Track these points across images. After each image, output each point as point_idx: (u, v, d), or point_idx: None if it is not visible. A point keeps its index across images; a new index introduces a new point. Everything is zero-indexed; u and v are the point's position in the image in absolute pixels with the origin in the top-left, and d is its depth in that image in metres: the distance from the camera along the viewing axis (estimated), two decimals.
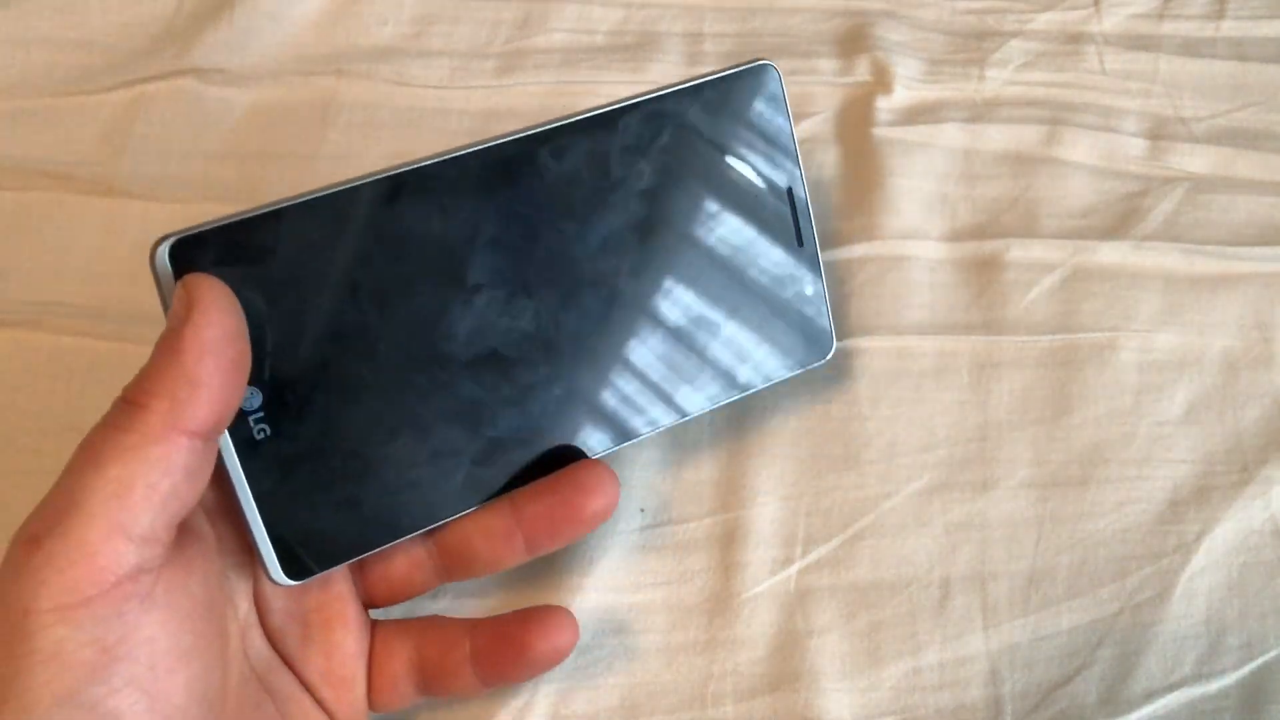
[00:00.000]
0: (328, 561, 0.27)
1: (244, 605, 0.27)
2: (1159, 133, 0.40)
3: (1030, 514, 0.33)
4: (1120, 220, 0.38)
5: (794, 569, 0.32)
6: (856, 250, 0.37)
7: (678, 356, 0.30)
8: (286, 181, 0.38)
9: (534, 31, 0.42)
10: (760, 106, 0.31)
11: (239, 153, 0.38)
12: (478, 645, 0.28)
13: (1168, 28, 0.43)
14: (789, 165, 0.31)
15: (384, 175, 0.27)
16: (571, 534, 0.28)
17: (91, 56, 0.40)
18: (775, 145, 0.31)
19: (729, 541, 0.33)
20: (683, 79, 0.30)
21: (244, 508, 0.25)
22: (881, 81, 0.40)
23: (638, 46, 0.41)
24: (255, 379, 0.25)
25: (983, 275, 0.37)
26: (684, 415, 0.31)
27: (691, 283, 0.30)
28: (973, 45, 0.42)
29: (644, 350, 0.30)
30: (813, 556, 0.33)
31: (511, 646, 0.28)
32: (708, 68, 0.41)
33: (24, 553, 0.20)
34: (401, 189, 0.27)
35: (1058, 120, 0.40)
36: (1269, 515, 0.33)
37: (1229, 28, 0.43)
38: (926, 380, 0.35)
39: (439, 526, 0.28)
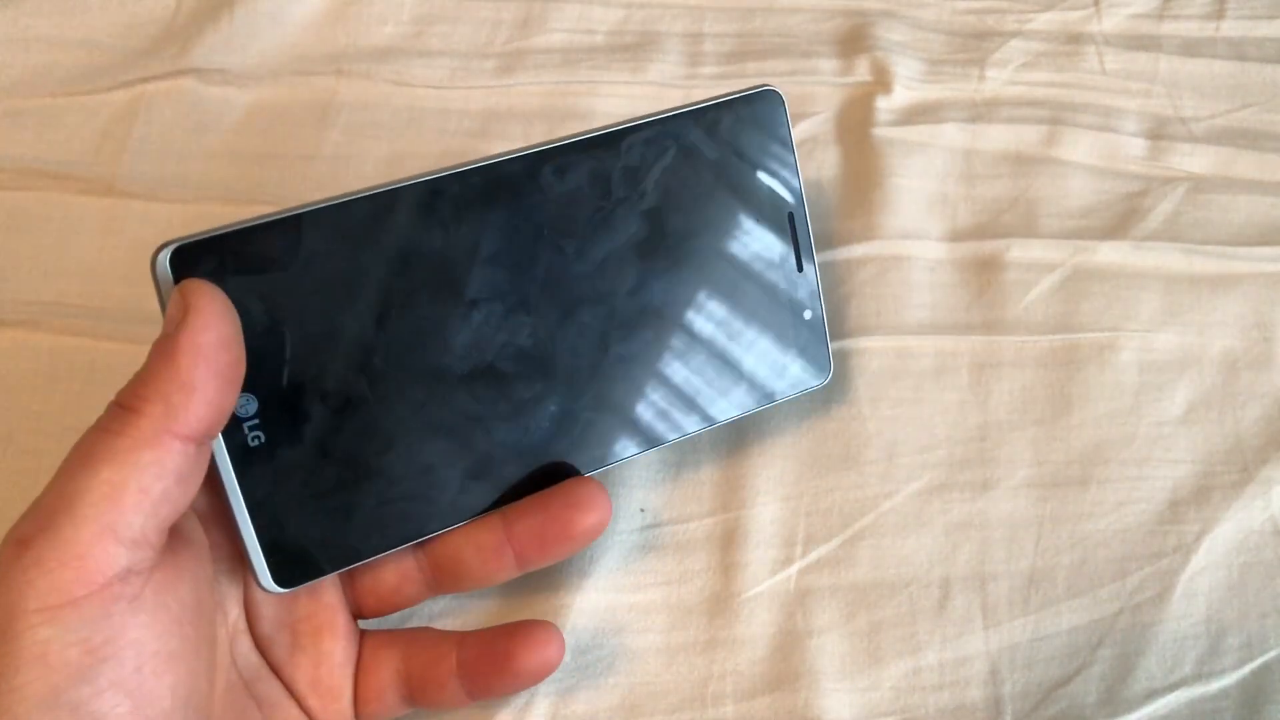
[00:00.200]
0: (317, 570, 0.27)
1: (234, 611, 0.27)
2: (1159, 133, 0.40)
3: (1030, 514, 0.33)
4: (1120, 220, 0.38)
5: (794, 569, 0.32)
6: (856, 250, 0.37)
7: (673, 377, 0.30)
8: (286, 182, 0.38)
9: (534, 31, 0.42)
10: (763, 131, 0.31)
11: (239, 153, 0.38)
12: (464, 658, 0.28)
13: (1168, 28, 0.43)
14: (791, 190, 0.31)
15: (388, 188, 0.27)
16: (562, 550, 0.28)
17: (91, 56, 0.40)
18: (777, 170, 0.31)
19: (729, 541, 0.33)
20: (687, 102, 0.30)
21: (235, 513, 0.25)
22: (881, 81, 0.40)
23: (638, 46, 0.41)
24: (251, 385, 0.25)
25: (983, 275, 0.37)
26: (677, 435, 0.31)
27: (689, 304, 0.30)
28: (973, 45, 0.42)
29: (639, 370, 0.30)
30: (813, 556, 0.33)
31: (498, 660, 0.27)
32: (708, 68, 0.41)
33: (13, 553, 0.20)
34: (405, 202, 0.27)
35: (1058, 120, 0.40)
36: (1269, 515, 0.33)
37: (1229, 28, 0.43)
38: (926, 380, 0.35)
39: (430, 539, 0.28)
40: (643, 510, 0.33)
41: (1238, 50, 0.42)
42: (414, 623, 0.32)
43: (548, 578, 0.32)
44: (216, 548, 0.26)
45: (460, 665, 0.28)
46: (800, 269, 0.32)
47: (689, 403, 0.31)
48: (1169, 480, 0.34)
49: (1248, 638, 0.32)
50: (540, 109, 0.40)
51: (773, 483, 0.33)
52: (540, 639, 0.28)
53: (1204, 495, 0.33)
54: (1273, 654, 0.31)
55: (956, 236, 0.37)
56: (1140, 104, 0.41)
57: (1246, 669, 0.31)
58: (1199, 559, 0.32)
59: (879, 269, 0.37)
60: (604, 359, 0.29)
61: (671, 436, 0.31)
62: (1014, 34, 0.42)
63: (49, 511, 0.21)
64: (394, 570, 0.29)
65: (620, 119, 0.29)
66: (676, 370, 0.30)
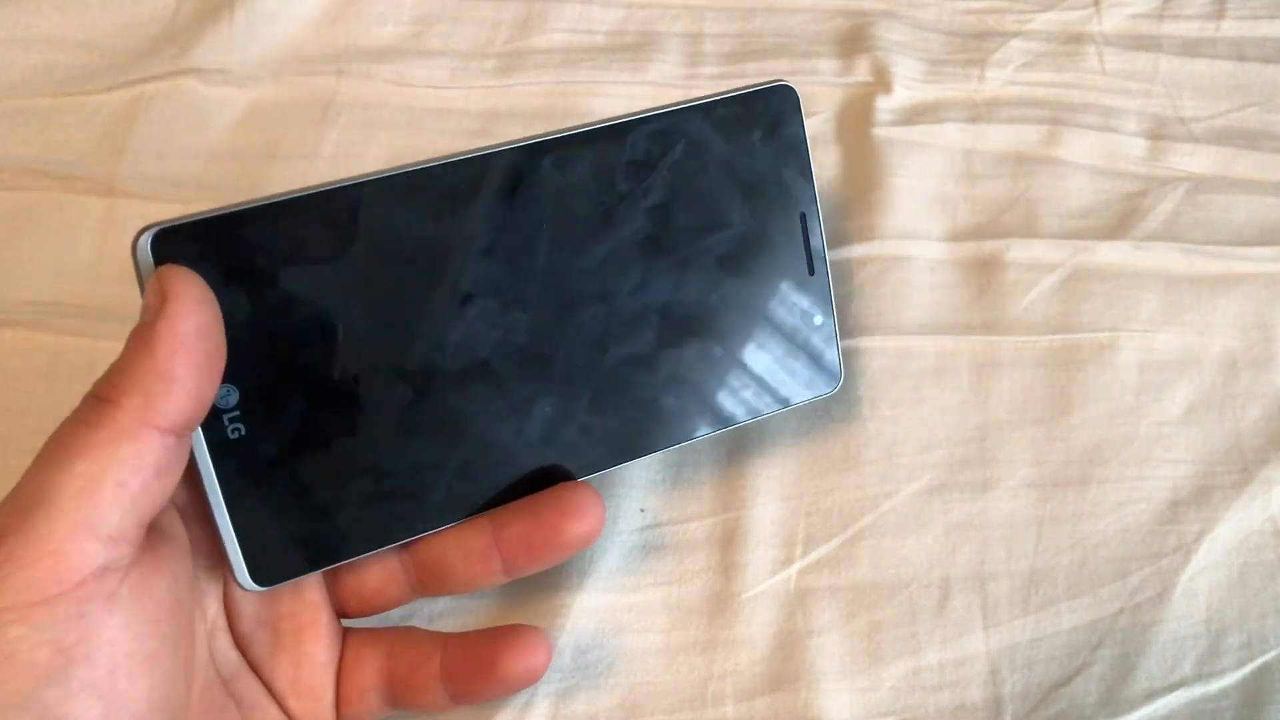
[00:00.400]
0: (297, 569, 0.26)
1: (213, 608, 0.26)
2: (1159, 133, 0.40)
3: (1030, 514, 0.33)
4: (1120, 220, 0.38)
5: (794, 569, 0.32)
6: (856, 250, 0.37)
7: (674, 380, 0.29)
8: (286, 182, 0.38)
9: (534, 31, 0.42)
10: (775, 128, 0.30)
11: (239, 153, 0.38)
12: (448, 661, 0.27)
13: (1168, 28, 0.43)
14: (803, 191, 0.30)
15: (378, 176, 0.26)
16: (550, 558, 0.28)
17: (91, 56, 0.40)
18: (789, 169, 0.30)
19: (729, 541, 0.33)
20: (696, 96, 0.29)
21: (214, 508, 0.25)
22: (881, 81, 0.40)
23: (638, 46, 0.41)
24: (232, 376, 0.24)
25: (983, 275, 0.37)
26: (677, 442, 0.30)
27: (693, 306, 0.29)
28: (973, 45, 0.42)
29: (639, 372, 0.29)
30: (813, 556, 0.32)
31: (481, 665, 0.27)
32: (708, 68, 0.41)
33: None
34: (396, 191, 0.26)
35: (1058, 120, 0.40)
36: (1269, 515, 0.33)
37: (1229, 28, 0.43)
38: (926, 380, 0.35)
39: (415, 540, 0.27)
40: (643, 510, 0.33)
41: (1238, 50, 0.42)
42: (414, 621, 0.32)
43: (548, 577, 0.32)
44: (196, 543, 0.25)
45: (444, 668, 0.27)
46: (811, 273, 0.31)
47: (689, 409, 0.30)
48: (1169, 480, 0.34)
49: (1248, 638, 0.32)
50: (540, 109, 0.40)
51: (773, 483, 0.33)
52: (526, 645, 0.27)
53: (1204, 495, 0.33)
54: (1273, 654, 0.31)
55: (956, 236, 0.37)
56: (1140, 104, 0.41)
57: (1246, 669, 0.31)
58: (1199, 559, 0.32)
59: (879, 269, 0.37)
60: (603, 360, 0.28)
61: (669, 443, 0.30)
62: (1014, 34, 0.42)
63: (23, 506, 0.20)
64: (378, 571, 0.28)
65: (625, 113, 0.28)
66: (677, 374, 0.29)
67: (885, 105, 0.40)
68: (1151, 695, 0.31)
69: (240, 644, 0.27)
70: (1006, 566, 0.32)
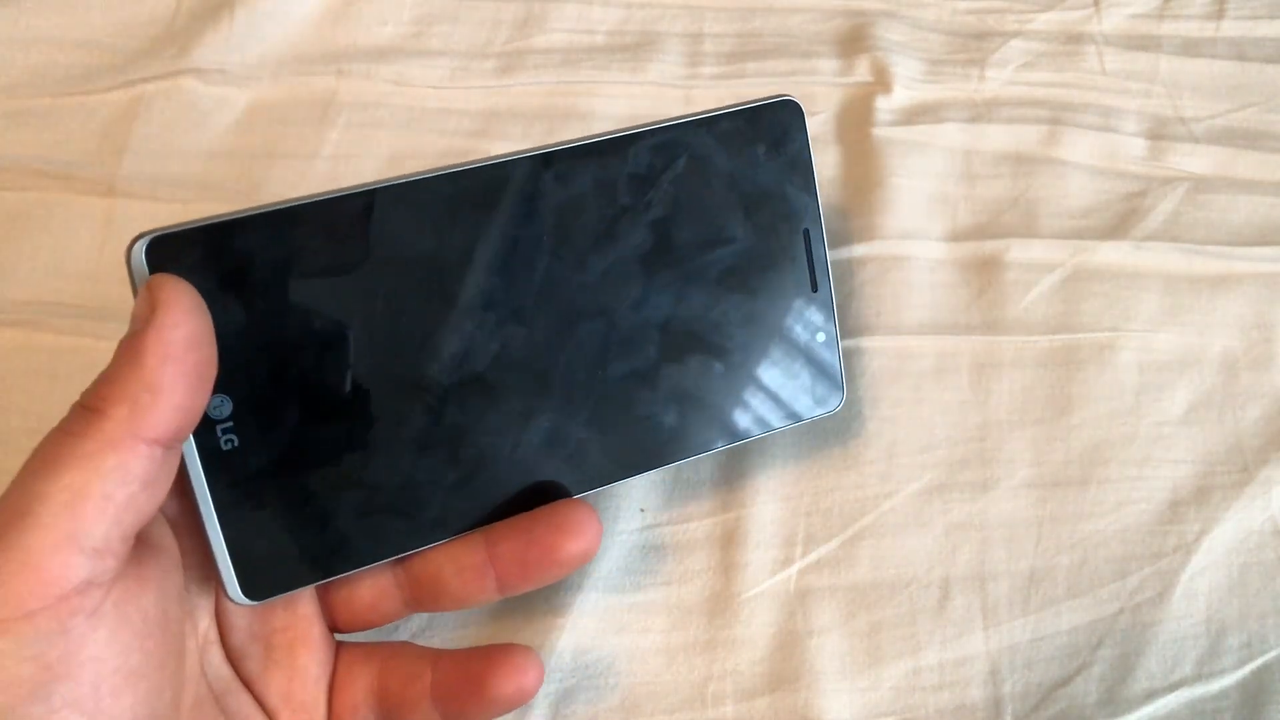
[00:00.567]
0: (288, 584, 0.26)
1: (204, 622, 0.26)
2: (1159, 133, 0.40)
3: (1030, 514, 0.33)
4: (1120, 220, 0.38)
5: (794, 569, 0.32)
6: (856, 250, 0.37)
7: (674, 397, 0.29)
8: (286, 182, 0.38)
9: (534, 31, 0.42)
10: (780, 143, 0.29)
11: (239, 153, 0.38)
12: (439, 680, 0.26)
13: (1168, 28, 0.43)
14: (807, 207, 0.30)
15: (377, 186, 0.25)
16: (546, 576, 0.27)
17: (91, 56, 0.40)
18: (793, 184, 0.30)
19: (729, 541, 0.33)
20: (701, 110, 0.29)
21: (205, 521, 0.24)
22: (881, 81, 0.40)
23: (638, 46, 0.41)
24: (226, 386, 0.24)
25: (983, 275, 0.37)
26: (674, 459, 0.29)
27: (694, 322, 0.29)
28: (973, 45, 0.42)
29: (639, 388, 0.29)
30: (813, 556, 0.32)
31: (471, 685, 0.26)
32: (708, 68, 0.41)
33: None
34: (395, 201, 0.26)
35: (1058, 120, 0.40)
36: (1269, 515, 0.33)
37: (1229, 28, 0.43)
38: (926, 380, 0.35)
39: (409, 555, 0.27)
40: (643, 510, 0.33)
41: (1238, 50, 0.42)
42: (412, 624, 0.32)
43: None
44: (187, 555, 0.25)
45: (434, 686, 0.26)
46: (815, 289, 0.30)
47: (687, 426, 0.29)
48: (1169, 480, 0.34)
49: (1248, 638, 0.32)
50: (540, 109, 0.40)
51: (773, 483, 0.33)
52: (516, 665, 0.26)
53: (1204, 495, 0.33)
54: (1273, 654, 0.31)
55: (956, 236, 0.37)
56: (1140, 104, 0.41)
57: (1246, 669, 0.31)
58: (1199, 559, 0.32)
59: (879, 269, 0.37)
60: (601, 375, 0.28)
61: (666, 461, 0.29)
62: (1014, 34, 0.42)
63: (6, 518, 0.20)
64: (371, 586, 0.28)
65: (626, 122, 0.28)
66: (677, 391, 0.29)
67: (885, 105, 0.40)
68: (1151, 695, 0.31)
69: (232, 658, 0.26)
70: (1006, 566, 0.32)
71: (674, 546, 0.33)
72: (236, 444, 0.25)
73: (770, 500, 0.33)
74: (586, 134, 0.28)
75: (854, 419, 0.34)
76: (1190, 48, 0.42)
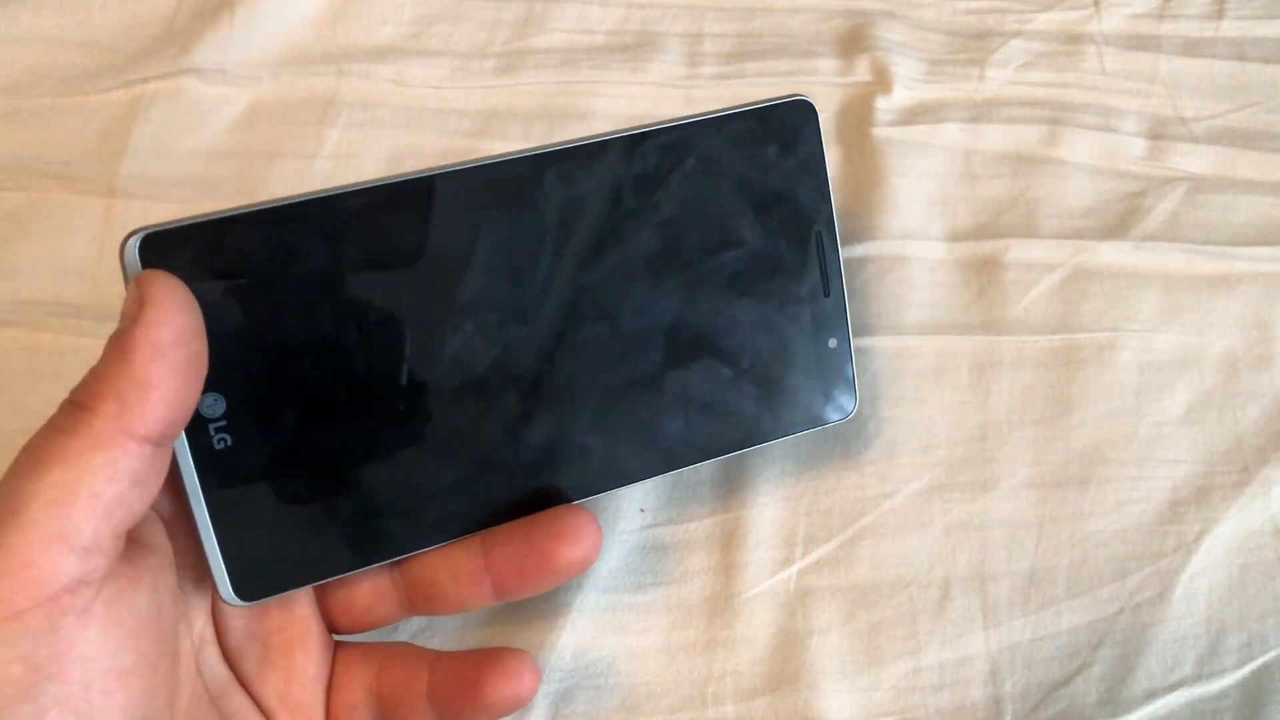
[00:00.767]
0: (281, 585, 0.25)
1: (200, 622, 0.26)
2: (1159, 133, 0.40)
3: (1030, 514, 0.33)
4: (1120, 220, 0.38)
5: (794, 569, 0.32)
6: (856, 250, 0.37)
7: (679, 403, 0.28)
8: (286, 181, 0.38)
9: (534, 31, 0.42)
10: (792, 144, 0.29)
11: (239, 153, 0.38)
12: (435, 682, 0.26)
13: (1168, 28, 0.43)
14: (820, 209, 0.29)
15: (374, 185, 0.25)
16: (543, 583, 0.27)
17: (91, 56, 0.40)
18: (805, 186, 0.29)
19: (729, 541, 0.33)
20: (712, 109, 0.28)
21: (197, 520, 0.24)
22: (881, 81, 0.40)
23: (638, 46, 0.41)
24: (220, 385, 0.24)
25: (983, 275, 0.37)
26: (680, 465, 0.29)
27: (702, 325, 0.28)
28: (973, 45, 0.42)
29: (644, 392, 0.28)
30: (813, 556, 0.33)
31: (466, 688, 0.26)
32: (708, 68, 0.41)
33: None
34: (392, 200, 0.25)
35: (1058, 120, 0.40)
36: (1269, 515, 0.33)
37: (1229, 28, 0.43)
38: (926, 380, 0.35)
39: (405, 558, 0.27)
40: (643, 510, 0.33)
41: (1238, 50, 0.42)
42: (412, 622, 0.32)
43: None
44: (181, 555, 0.25)
45: (430, 689, 0.26)
46: (827, 294, 0.30)
47: (693, 433, 0.29)
48: (1169, 480, 0.34)
49: (1248, 638, 0.32)
50: (540, 109, 0.40)
51: (773, 483, 0.33)
52: (511, 669, 0.26)
53: (1204, 495, 0.33)
54: (1273, 654, 0.31)
55: (956, 236, 0.37)
56: (1140, 104, 0.41)
57: (1246, 669, 0.31)
58: (1199, 559, 0.32)
59: (879, 269, 0.37)
60: (603, 379, 0.28)
61: (670, 467, 0.29)
62: (1014, 34, 0.42)
63: None
64: (368, 588, 0.27)
65: (626, 122, 0.28)
66: (683, 397, 0.28)
67: (885, 105, 0.40)
68: (1151, 695, 0.31)
69: (229, 658, 0.26)
70: (1006, 566, 0.32)
71: (674, 546, 0.33)
72: (230, 443, 0.24)
73: (770, 500, 0.33)
74: (589, 134, 0.27)
75: (854, 419, 0.34)
76: (1190, 48, 0.42)
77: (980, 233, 0.38)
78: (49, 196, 0.37)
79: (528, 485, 0.27)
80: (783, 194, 0.29)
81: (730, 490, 0.33)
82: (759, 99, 0.29)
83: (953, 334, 0.36)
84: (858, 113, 0.40)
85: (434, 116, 0.40)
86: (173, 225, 0.23)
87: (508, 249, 0.26)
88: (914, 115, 0.40)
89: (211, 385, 0.23)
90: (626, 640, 0.31)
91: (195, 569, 0.25)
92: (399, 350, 0.26)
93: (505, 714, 0.26)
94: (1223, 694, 0.31)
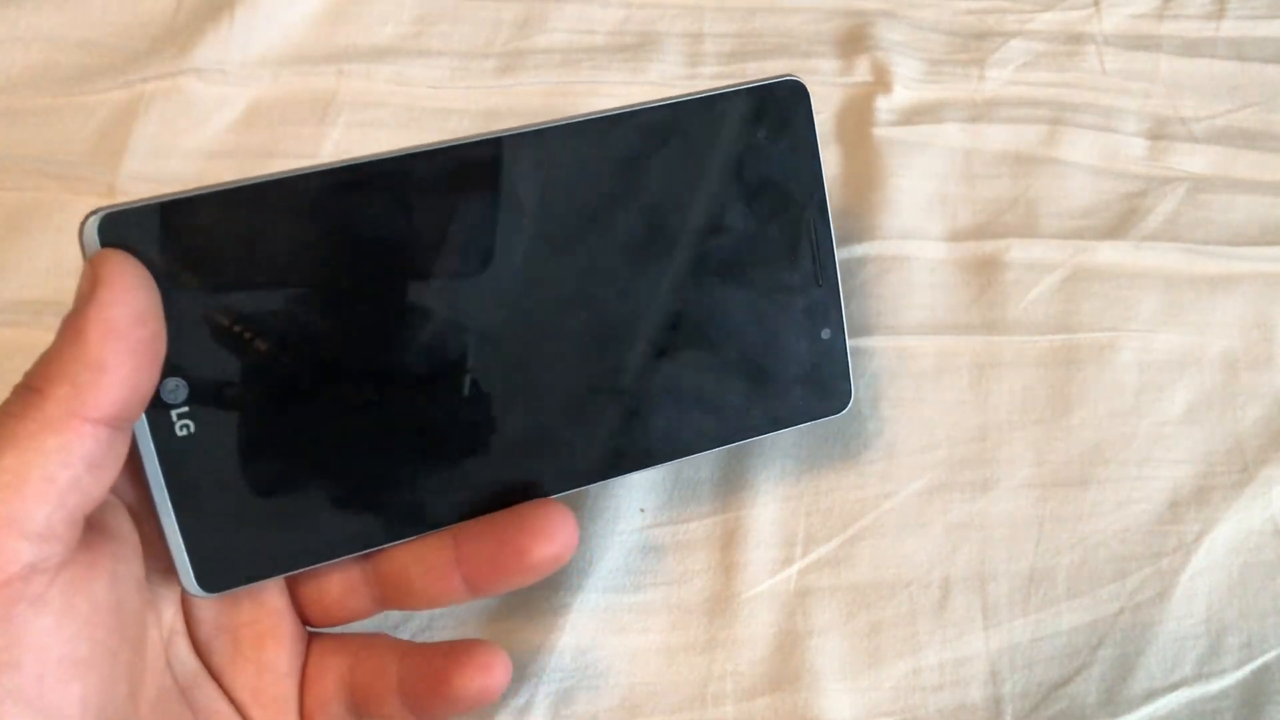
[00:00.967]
0: (246, 576, 0.24)
1: (169, 613, 0.25)
2: (1159, 133, 0.40)
3: (1030, 514, 0.33)
4: (1120, 220, 0.38)
5: (794, 569, 0.32)
6: (856, 250, 0.37)
7: (663, 395, 0.27)
8: None
9: (534, 31, 0.42)
10: (783, 126, 0.27)
11: (239, 152, 0.38)
12: (404, 674, 0.25)
13: (1168, 28, 0.43)
14: (812, 194, 0.28)
15: (342, 165, 0.24)
16: (515, 580, 0.26)
17: (91, 56, 0.40)
18: (797, 171, 0.28)
19: (729, 541, 0.33)
20: (697, 89, 0.27)
21: (159, 509, 0.23)
22: (881, 81, 0.40)
23: (638, 46, 0.41)
24: (182, 370, 0.23)
25: (983, 275, 0.37)
26: (664, 459, 0.28)
27: (688, 314, 0.27)
28: (973, 45, 0.42)
29: (627, 383, 0.27)
30: (813, 556, 0.33)
31: (434, 681, 0.25)
32: (708, 68, 0.41)
33: None
34: (362, 181, 0.24)
35: (1058, 120, 0.40)
36: (1269, 515, 0.33)
37: (1229, 28, 0.43)
38: (926, 380, 0.35)
39: (375, 552, 0.26)
40: (642, 510, 0.33)
41: (1238, 50, 0.42)
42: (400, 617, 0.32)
43: (548, 577, 0.32)
44: (150, 544, 0.24)
45: (400, 681, 0.25)
46: (819, 283, 0.28)
47: (677, 426, 0.28)
48: (1169, 480, 0.34)
49: (1248, 638, 0.32)
50: (540, 109, 0.40)
51: (773, 483, 0.33)
52: (480, 662, 0.25)
53: (1204, 495, 0.33)
54: (1273, 654, 0.31)
55: (956, 236, 0.37)
56: (1140, 104, 0.41)
57: (1246, 669, 0.31)
58: (1199, 559, 0.32)
59: (879, 269, 0.37)
60: (583, 369, 0.26)
61: (653, 462, 0.28)
62: (1014, 34, 0.42)
63: None
64: (339, 582, 0.27)
65: (621, 105, 0.27)
66: (667, 388, 0.27)
67: (885, 105, 0.40)
68: (1151, 695, 0.31)
69: (200, 650, 0.25)
70: (1006, 566, 0.32)
71: (674, 546, 0.33)
72: (192, 430, 0.23)
73: (770, 500, 0.33)
74: (569, 114, 0.26)
75: (854, 419, 0.34)
76: (1190, 48, 0.42)
77: (980, 233, 0.38)
78: (49, 196, 0.37)
79: (502, 479, 0.26)
80: (773, 177, 0.28)
81: (730, 490, 0.33)
82: (747, 80, 0.27)
83: (953, 334, 0.36)
84: (858, 113, 0.40)
85: (434, 116, 0.40)
86: (132, 205, 0.22)
87: (483, 232, 0.25)
88: (914, 115, 0.40)
89: (173, 370, 0.23)
90: (626, 640, 0.31)
91: (164, 559, 0.25)
92: (368, 336, 0.25)
93: (475, 707, 0.25)
94: (1223, 694, 0.31)
